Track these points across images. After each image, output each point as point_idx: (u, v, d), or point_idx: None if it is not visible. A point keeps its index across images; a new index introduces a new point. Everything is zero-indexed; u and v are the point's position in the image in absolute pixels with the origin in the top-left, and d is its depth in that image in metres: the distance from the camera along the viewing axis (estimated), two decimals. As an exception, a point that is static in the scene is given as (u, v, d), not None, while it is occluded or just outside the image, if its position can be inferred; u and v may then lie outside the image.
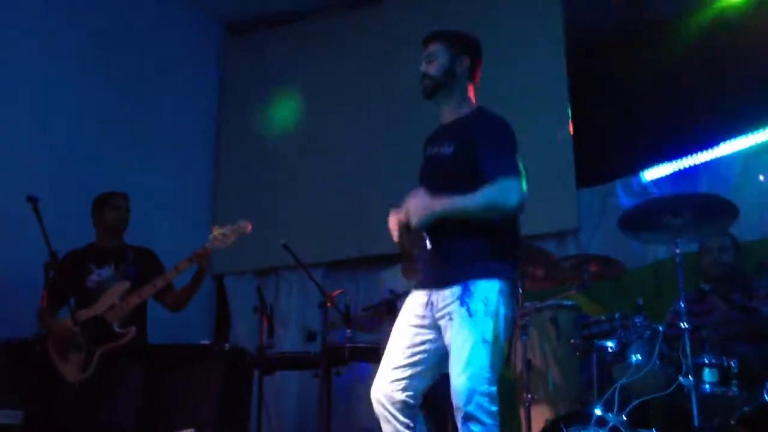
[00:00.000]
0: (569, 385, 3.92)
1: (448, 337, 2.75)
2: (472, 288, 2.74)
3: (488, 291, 2.74)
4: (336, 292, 4.34)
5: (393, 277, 4.66)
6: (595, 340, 3.70)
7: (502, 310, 2.74)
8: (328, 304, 4.13)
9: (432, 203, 2.78)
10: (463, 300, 2.72)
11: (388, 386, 2.83)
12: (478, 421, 2.62)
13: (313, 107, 6.16)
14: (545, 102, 5.47)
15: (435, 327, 2.83)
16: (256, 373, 4.49)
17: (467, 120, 2.99)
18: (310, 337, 4.30)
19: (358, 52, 6.09)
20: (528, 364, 3.81)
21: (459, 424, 2.67)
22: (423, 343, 2.84)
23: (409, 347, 2.85)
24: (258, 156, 6.31)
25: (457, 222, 2.80)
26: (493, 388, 2.67)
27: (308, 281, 4.46)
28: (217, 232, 4.20)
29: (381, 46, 5.92)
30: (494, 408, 2.66)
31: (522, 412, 3.80)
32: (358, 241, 5.76)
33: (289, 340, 5.77)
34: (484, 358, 2.66)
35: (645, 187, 5.21)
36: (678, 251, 3.31)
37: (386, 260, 5.36)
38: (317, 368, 4.28)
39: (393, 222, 2.89)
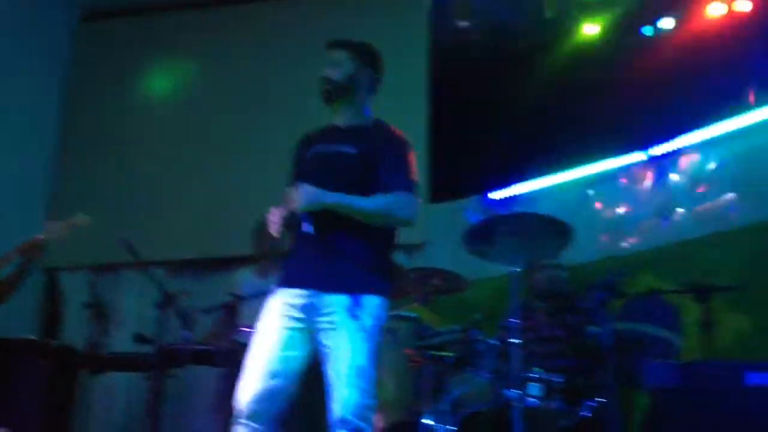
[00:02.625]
0: (404, 394, 3.97)
1: (331, 345, 2.68)
2: (362, 301, 2.71)
3: (376, 307, 2.74)
4: (177, 292, 4.18)
5: (246, 278, 4.56)
6: (432, 352, 3.77)
7: (383, 329, 2.76)
8: (168, 304, 3.97)
9: (324, 194, 2.72)
10: (353, 312, 2.68)
11: (258, 398, 2.67)
12: None
13: (164, 101, 6.00)
14: (403, 117, 5.54)
15: (311, 331, 2.74)
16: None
17: (370, 128, 2.97)
18: (141, 339, 4.11)
19: (212, 50, 6.05)
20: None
21: None
22: (296, 347, 2.74)
23: (280, 352, 2.71)
24: (105, 148, 6.07)
25: (349, 223, 2.76)
26: (375, 402, 2.69)
27: (149, 281, 4.27)
28: (52, 224, 3.99)
29: (237, 47, 5.88)
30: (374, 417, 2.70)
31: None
32: (204, 242, 5.63)
33: (124, 341, 5.50)
34: (371, 372, 2.68)
35: (492, 205, 5.46)
36: (514, 269, 3.42)
37: (235, 262, 5.26)
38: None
39: (275, 214, 2.76)
